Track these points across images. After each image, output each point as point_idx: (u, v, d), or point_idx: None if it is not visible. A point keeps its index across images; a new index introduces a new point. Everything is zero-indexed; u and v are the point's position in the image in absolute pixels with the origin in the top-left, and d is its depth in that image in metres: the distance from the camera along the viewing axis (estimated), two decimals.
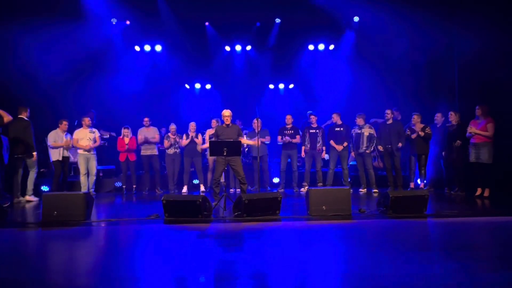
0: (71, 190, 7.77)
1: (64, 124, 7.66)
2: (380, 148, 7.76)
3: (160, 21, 9.78)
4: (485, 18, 7.54)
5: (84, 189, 7.83)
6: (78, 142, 7.82)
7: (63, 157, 7.61)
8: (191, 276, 3.05)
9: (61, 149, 7.58)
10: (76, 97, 9.03)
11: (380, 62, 9.71)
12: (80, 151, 7.88)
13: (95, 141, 7.97)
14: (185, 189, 8.25)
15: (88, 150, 7.80)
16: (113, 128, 8.63)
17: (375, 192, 7.74)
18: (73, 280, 2.96)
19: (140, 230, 4.70)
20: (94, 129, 8.08)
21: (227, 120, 6.45)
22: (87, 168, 7.89)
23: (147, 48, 10.40)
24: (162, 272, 3.11)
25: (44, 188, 7.93)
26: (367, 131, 7.83)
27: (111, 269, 3.23)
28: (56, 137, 7.61)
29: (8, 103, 7.13)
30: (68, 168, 7.88)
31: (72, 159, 8.13)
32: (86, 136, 7.90)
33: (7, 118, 6.38)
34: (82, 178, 7.88)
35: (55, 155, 7.54)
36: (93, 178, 7.95)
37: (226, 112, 6.47)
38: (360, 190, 7.96)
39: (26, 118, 7.12)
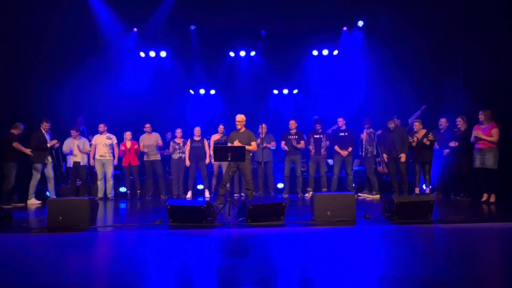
0: (90, 195, 7.89)
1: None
2: (385, 156, 7.75)
3: (165, 27, 9.84)
4: (491, 20, 7.54)
5: (100, 194, 8.00)
6: (95, 147, 8.07)
7: (73, 162, 7.95)
8: (195, 281, 3.05)
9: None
10: (78, 101, 9.09)
11: (384, 67, 9.71)
12: (96, 156, 8.03)
13: (111, 147, 8.08)
14: (189, 195, 8.25)
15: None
16: (117, 133, 8.66)
17: (368, 197, 7.76)
18: (78, 286, 2.97)
19: (144, 235, 4.70)
20: (112, 136, 8.20)
21: (238, 125, 6.58)
22: (103, 173, 8.06)
23: (152, 54, 10.47)
24: (166, 278, 3.11)
25: (48, 194, 7.97)
26: (364, 136, 7.90)
27: (116, 274, 3.24)
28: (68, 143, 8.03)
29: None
30: (83, 173, 8.05)
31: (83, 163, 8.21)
32: (102, 142, 8.08)
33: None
34: (99, 183, 8.05)
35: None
36: (110, 182, 8.08)
37: (238, 117, 6.63)
38: (359, 194, 7.96)
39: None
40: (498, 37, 7.56)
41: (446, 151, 7.28)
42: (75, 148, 7.90)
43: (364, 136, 7.91)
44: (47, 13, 8.15)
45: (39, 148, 7.40)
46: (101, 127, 8.15)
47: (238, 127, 6.60)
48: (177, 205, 5.15)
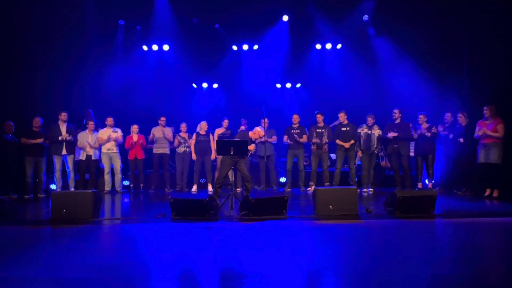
0: (97, 189, 7.93)
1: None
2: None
3: (167, 20, 9.82)
4: (495, 15, 7.48)
5: (108, 187, 8.05)
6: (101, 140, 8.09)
7: (86, 155, 7.98)
8: (197, 275, 3.07)
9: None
10: (81, 96, 9.10)
11: (388, 61, 9.66)
12: (103, 150, 8.05)
13: (117, 141, 8.12)
14: (194, 188, 8.27)
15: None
16: (119, 127, 8.68)
17: (371, 191, 7.79)
18: (81, 278, 2.99)
19: (147, 229, 4.72)
20: (117, 129, 8.24)
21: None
22: (111, 167, 8.09)
23: (155, 47, 10.46)
24: (169, 271, 3.13)
25: (53, 186, 8.02)
26: (377, 131, 7.80)
27: (118, 267, 3.26)
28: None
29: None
30: (93, 167, 8.06)
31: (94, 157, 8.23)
32: (109, 135, 8.10)
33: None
34: (106, 177, 8.07)
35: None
36: (118, 176, 8.12)
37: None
38: (364, 190, 7.94)
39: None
40: (503, 31, 7.50)
41: (461, 139, 7.21)
42: (89, 142, 7.93)
43: (380, 131, 7.80)
44: (49, 9, 8.15)
45: (54, 141, 7.67)
46: (110, 120, 8.16)
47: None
48: (179, 199, 5.17)
